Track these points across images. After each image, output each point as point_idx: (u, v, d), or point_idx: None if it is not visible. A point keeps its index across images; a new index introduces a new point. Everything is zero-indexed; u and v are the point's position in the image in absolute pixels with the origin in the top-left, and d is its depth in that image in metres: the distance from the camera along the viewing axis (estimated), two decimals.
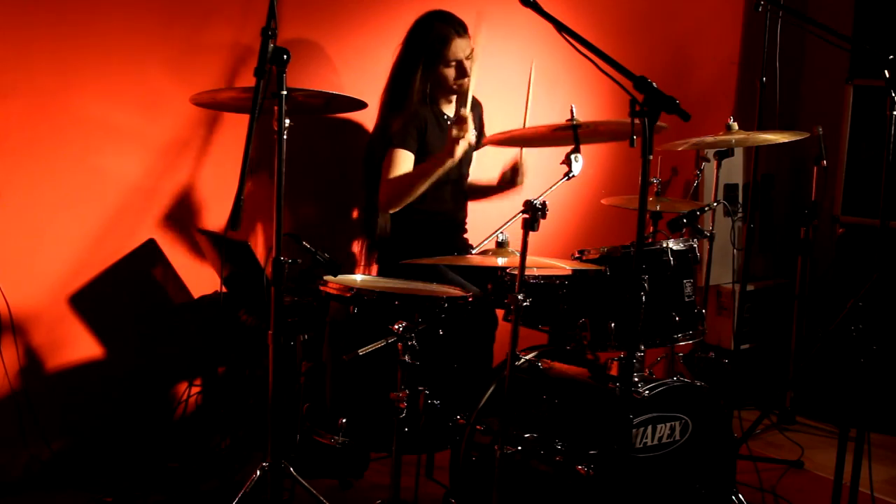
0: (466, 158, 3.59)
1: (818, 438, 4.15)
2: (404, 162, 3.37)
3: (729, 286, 4.53)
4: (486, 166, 3.78)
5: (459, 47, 3.41)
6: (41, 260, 3.20)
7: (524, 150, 3.60)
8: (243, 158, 2.30)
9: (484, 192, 3.72)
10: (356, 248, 3.82)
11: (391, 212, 3.40)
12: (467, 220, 3.72)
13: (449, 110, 3.57)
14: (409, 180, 3.34)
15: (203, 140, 3.41)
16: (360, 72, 3.71)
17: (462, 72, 3.44)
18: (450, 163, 3.27)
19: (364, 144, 3.62)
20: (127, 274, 3.35)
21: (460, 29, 3.43)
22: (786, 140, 3.34)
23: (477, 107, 3.71)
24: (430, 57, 3.42)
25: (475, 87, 3.62)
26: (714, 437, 2.78)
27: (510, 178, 3.62)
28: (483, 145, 3.74)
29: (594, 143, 3.35)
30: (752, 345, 4.68)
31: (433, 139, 3.47)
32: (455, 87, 3.47)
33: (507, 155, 3.67)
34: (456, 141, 3.23)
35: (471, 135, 3.34)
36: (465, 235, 3.70)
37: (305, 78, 3.50)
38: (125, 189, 3.31)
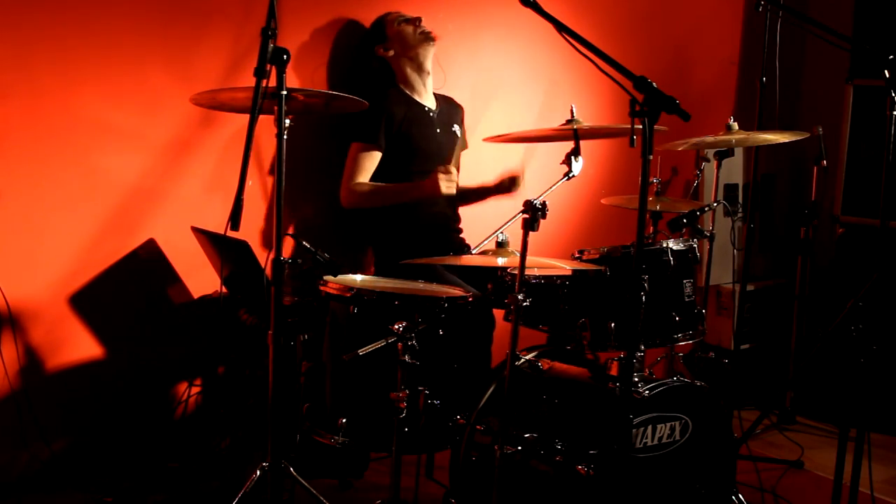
0: (450, 151, 3.62)
1: (818, 438, 4.15)
2: (370, 160, 3.42)
3: (729, 286, 4.53)
4: (483, 167, 3.79)
5: (401, 13, 3.53)
6: (41, 260, 3.20)
7: (525, 154, 3.63)
8: (243, 158, 2.30)
9: (477, 195, 3.75)
10: (358, 247, 3.82)
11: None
12: (461, 221, 3.72)
13: (428, 101, 3.58)
14: (382, 197, 3.42)
15: (203, 140, 3.41)
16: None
17: (412, 20, 3.50)
18: (430, 193, 3.32)
19: None
20: (127, 274, 3.35)
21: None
22: (786, 140, 3.34)
23: (457, 109, 3.72)
24: (378, 28, 3.53)
25: (467, 97, 3.64)
26: (714, 437, 2.78)
27: (507, 186, 3.67)
28: (465, 147, 3.76)
29: (594, 139, 3.36)
30: (752, 345, 4.68)
31: (415, 129, 3.48)
32: (419, 35, 3.49)
33: (503, 153, 3.68)
34: (442, 181, 3.25)
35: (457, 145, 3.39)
36: (461, 235, 3.70)
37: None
38: (125, 189, 3.31)
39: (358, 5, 3.66)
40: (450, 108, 3.68)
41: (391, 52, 3.51)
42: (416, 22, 3.51)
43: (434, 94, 3.64)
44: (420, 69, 3.56)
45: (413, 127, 3.48)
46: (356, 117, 3.40)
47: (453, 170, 3.33)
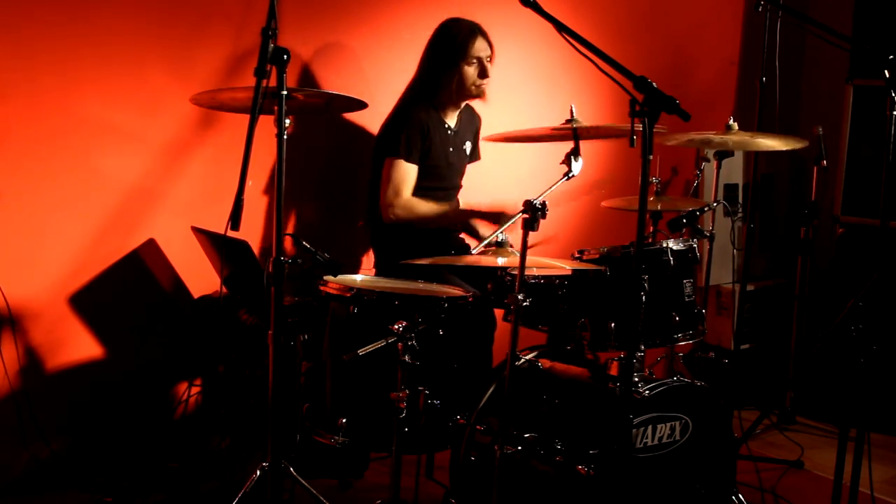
0: (460, 169, 3.62)
1: (818, 438, 4.15)
2: (409, 176, 3.42)
3: (729, 286, 4.53)
4: (484, 167, 3.79)
5: (481, 46, 3.47)
6: (41, 260, 3.20)
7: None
8: (243, 158, 2.30)
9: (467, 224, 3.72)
10: (358, 248, 3.82)
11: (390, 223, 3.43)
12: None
13: (451, 120, 3.58)
14: (427, 218, 3.44)
15: (203, 140, 3.41)
16: (361, 72, 3.71)
17: (483, 72, 3.49)
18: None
19: (365, 144, 3.63)
20: (127, 274, 3.35)
21: (479, 29, 3.50)
22: (784, 148, 3.34)
23: (474, 118, 3.72)
24: (452, 54, 3.46)
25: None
26: (714, 437, 2.78)
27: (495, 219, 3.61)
28: (478, 158, 3.76)
29: (594, 139, 3.36)
30: (752, 345, 4.68)
31: (436, 147, 3.49)
32: (474, 87, 3.50)
33: (503, 154, 3.68)
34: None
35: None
36: (461, 236, 3.70)
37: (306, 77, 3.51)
38: (125, 189, 3.31)
39: (360, 6, 3.67)
40: (468, 123, 3.68)
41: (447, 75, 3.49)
42: (484, 67, 3.47)
43: None
44: (456, 105, 3.59)
45: (434, 143, 3.50)
46: (391, 130, 3.43)
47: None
